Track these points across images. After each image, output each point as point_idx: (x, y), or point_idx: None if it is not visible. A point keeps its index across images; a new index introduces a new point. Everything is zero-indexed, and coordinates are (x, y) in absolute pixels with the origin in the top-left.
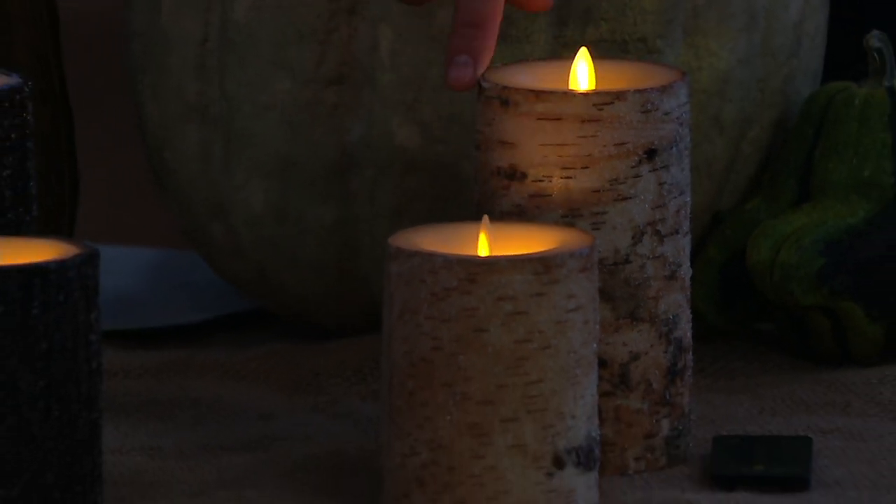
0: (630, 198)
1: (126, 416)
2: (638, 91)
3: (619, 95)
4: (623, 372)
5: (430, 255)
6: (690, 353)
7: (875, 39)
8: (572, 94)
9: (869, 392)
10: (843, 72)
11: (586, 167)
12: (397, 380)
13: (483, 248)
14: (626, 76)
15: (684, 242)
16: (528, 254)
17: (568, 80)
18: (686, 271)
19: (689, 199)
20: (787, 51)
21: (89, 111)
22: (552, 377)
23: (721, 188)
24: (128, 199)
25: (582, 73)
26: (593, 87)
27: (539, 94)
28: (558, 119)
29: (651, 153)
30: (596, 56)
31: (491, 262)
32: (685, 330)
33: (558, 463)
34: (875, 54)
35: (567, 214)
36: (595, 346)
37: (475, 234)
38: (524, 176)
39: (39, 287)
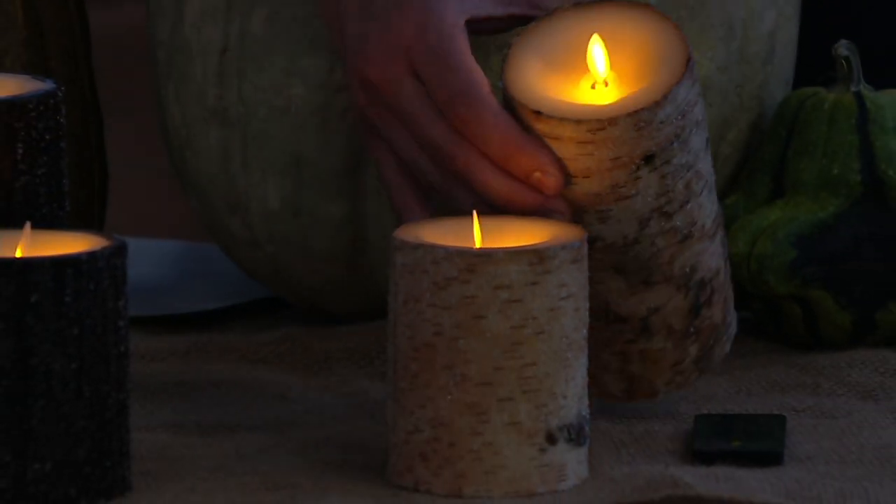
0: (632, 196)
1: (152, 396)
2: (629, 115)
3: (611, 121)
4: (644, 325)
5: (433, 247)
6: (721, 274)
7: (843, 48)
8: (568, 121)
9: (838, 374)
10: (812, 77)
11: (587, 176)
12: (402, 363)
13: (478, 240)
14: (635, 49)
15: (698, 203)
16: (523, 246)
17: (584, 63)
18: (706, 219)
19: (700, 166)
20: (763, 58)
21: (118, 114)
22: (545, 360)
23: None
24: (153, 195)
25: (598, 58)
26: (609, 74)
27: (538, 116)
28: (558, 138)
29: (649, 158)
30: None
31: (489, 254)
32: (708, 266)
33: (551, 439)
34: (843, 62)
35: (572, 212)
36: (585, 331)
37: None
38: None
39: (71, 277)
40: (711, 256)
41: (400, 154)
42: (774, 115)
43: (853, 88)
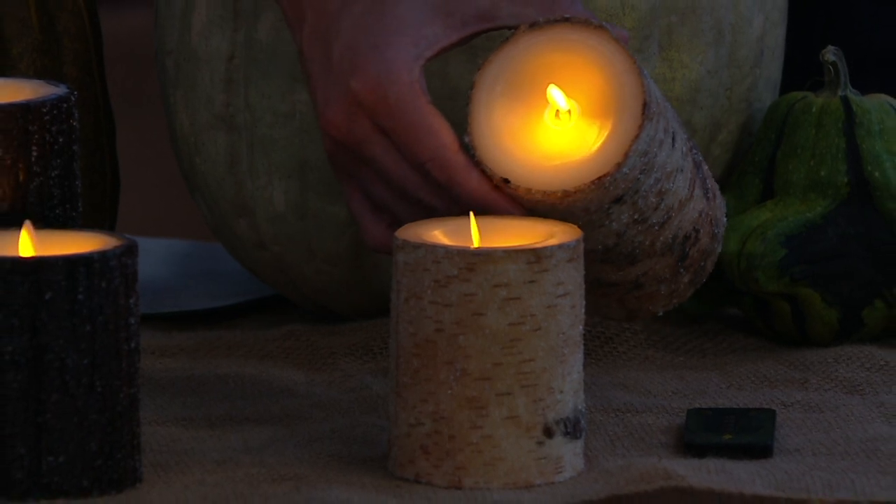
0: (606, 224)
1: (162, 391)
2: (593, 182)
3: (576, 190)
4: (635, 283)
5: (434, 247)
6: (702, 214)
7: (831, 54)
8: (536, 191)
9: (825, 370)
10: (798, 80)
11: (562, 220)
12: (404, 358)
13: (476, 239)
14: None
15: (672, 192)
16: (521, 245)
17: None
18: (681, 194)
19: (668, 166)
20: (751, 62)
21: (130, 119)
22: (543, 356)
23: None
24: (163, 196)
25: (558, 98)
26: (571, 104)
27: (507, 184)
28: (528, 201)
29: (618, 199)
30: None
31: (488, 253)
32: (690, 220)
33: (548, 432)
34: (830, 67)
35: None
36: (581, 328)
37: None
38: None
39: (84, 275)
40: (693, 209)
41: (373, 197)
42: (764, 118)
43: (840, 93)
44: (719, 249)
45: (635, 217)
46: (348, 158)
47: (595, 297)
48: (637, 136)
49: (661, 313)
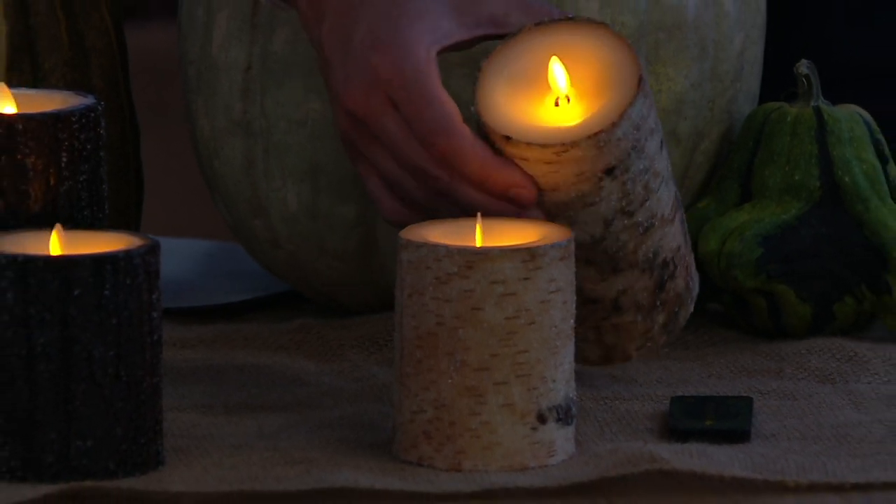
0: (596, 203)
1: (182, 380)
2: (589, 137)
3: (573, 144)
4: (614, 304)
5: (435, 246)
6: (681, 249)
7: (804, 67)
8: (535, 145)
9: (799, 360)
10: (776, 92)
11: (555, 190)
12: (407, 350)
13: (478, 239)
14: (592, 68)
15: (656, 198)
16: (516, 245)
17: (547, 81)
18: (664, 209)
19: (657, 166)
20: (732, 76)
21: (153, 127)
22: (537, 347)
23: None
24: (184, 199)
25: (559, 77)
26: (570, 90)
27: (508, 141)
28: (526, 160)
29: (610, 170)
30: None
31: (485, 252)
32: (669, 247)
33: (541, 419)
34: (804, 79)
35: (545, 218)
36: (572, 321)
37: (473, 228)
38: None
39: (110, 272)
40: (672, 238)
41: (384, 173)
42: (742, 127)
43: (813, 103)
44: (692, 309)
45: (623, 204)
46: (361, 136)
47: (575, 326)
48: (632, 103)
49: (634, 357)
